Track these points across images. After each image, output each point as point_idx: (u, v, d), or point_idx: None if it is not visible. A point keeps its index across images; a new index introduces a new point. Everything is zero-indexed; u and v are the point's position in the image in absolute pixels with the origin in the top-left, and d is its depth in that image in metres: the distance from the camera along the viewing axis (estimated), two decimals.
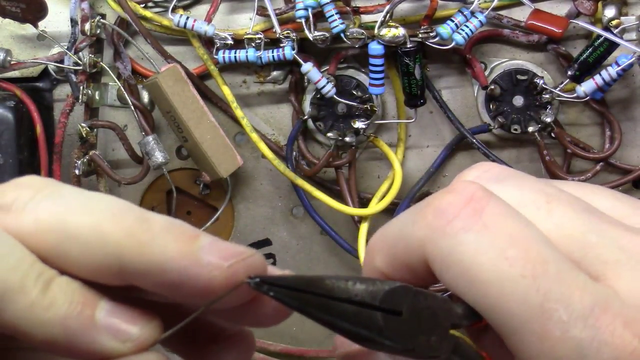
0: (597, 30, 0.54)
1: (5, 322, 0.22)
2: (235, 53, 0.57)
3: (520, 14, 0.58)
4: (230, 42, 0.57)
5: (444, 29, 0.54)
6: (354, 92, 0.59)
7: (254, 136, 0.59)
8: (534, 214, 0.23)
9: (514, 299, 0.21)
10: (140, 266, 0.23)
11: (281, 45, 0.56)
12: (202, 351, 0.27)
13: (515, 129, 0.58)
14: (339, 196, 0.60)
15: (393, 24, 0.54)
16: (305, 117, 0.59)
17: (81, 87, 0.59)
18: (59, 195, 0.24)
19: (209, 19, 0.57)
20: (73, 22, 0.57)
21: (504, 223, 0.22)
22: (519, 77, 0.58)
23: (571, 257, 0.22)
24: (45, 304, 0.22)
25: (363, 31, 0.55)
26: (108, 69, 0.59)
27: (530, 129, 0.58)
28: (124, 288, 0.24)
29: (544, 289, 0.21)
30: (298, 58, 0.56)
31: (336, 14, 0.54)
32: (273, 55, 0.56)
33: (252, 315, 0.25)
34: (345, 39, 0.55)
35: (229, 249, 0.23)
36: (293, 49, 0.56)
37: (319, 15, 0.55)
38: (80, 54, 0.58)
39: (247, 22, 0.59)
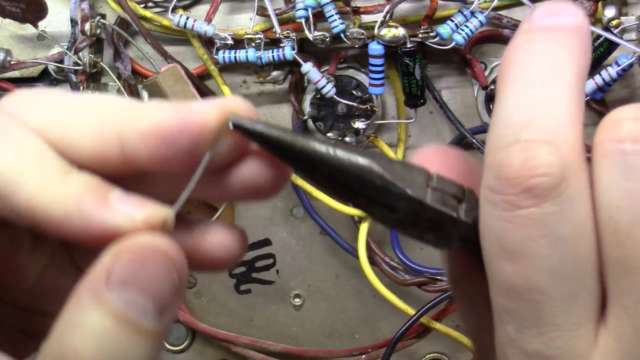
0: (597, 30, 0.54)
1: (21, 201, 0.23)
2: (235, 53, 0.57)
3: (520, 14, 0.58)
4: (230, 42, 0.57)
5: (444, 29, 0.54)
6: (354, 92, 0.59)
7: None
8: None
9: None
10: (135, 131, 0.24)
11: (281, 45, 0.56)
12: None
13: None
14: None
15: (393, 24, 0.54)
16: (305, 117, 0.59)
17: (81, 87, 0.59)
18: (56, 97, 0.25)
19: (209, 19, 0.57)
20: (73, 22, 0.57)
21: None
22: None
23: None
24: (64, 183, 0.23)
25: (363, 31, 0.55)
26: (108, 69, 0.59)
27: None
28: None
29: None
30: (298, 58, 0.56)
31: (336, 14, 0.54)
32: (273, 55, 0.56)
33: (245, 182, 0.26)
34: (345, 39, 0.55)
35: (215, 100, 0.25)
36: (293, 49, 0.56)
37: (319, 15, 0.55)
38: (80, 54, 0.58)
39: (247, 22, 0.59)
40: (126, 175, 0.25)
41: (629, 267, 0.22)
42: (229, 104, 0.25)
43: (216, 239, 0.26)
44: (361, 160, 0.24)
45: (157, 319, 0.22)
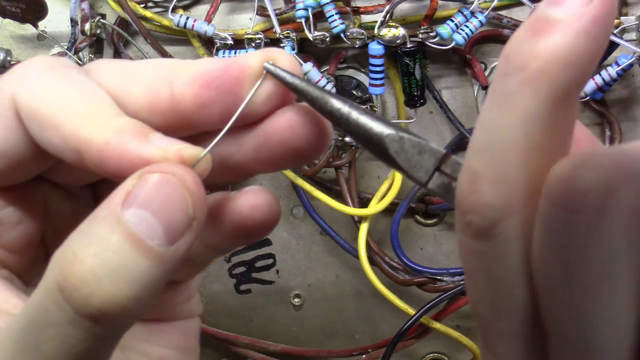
0: None
1: (69, 128, 0.24)
2: (235, 53, 0.57)
3: (520, 14, 0.58)
4: (230, 42, 0.57)
5: (444, 29, 0.54)
6: (354, 92, 0.59)
7: None
8: None
9: None
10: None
11: (281, 45, 0.56)
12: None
13: None
14: (339, 196, 0.60)
15: (393, 24, 0.54)
16: None
17: None
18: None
19: (209, 19, 0.57)
20: (73, 22, 0.57)
21: None
22: None
23: None
24: (112, 120, 0.25)
25: (363, 31, 0.55)
26: None
27: None
28: None
29: None
30: (298, 58, 0.56)
31: (336, 14, 0.54)
32: None
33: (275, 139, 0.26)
34: (345, 39, 0.55)
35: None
36: (293, 49, 0.56)
37: (319, 15, 0.55)
38: (80, 54, 0.58)
39: (247, 22, 0.59)
40: (174, 127, 0.26)
41: (560, 332, 0.21)
42: (269, 53, 0.26)
43: (247, 200, 0.27)
44: (371, 127, 0.24)
45: (165, 244, 0.23)
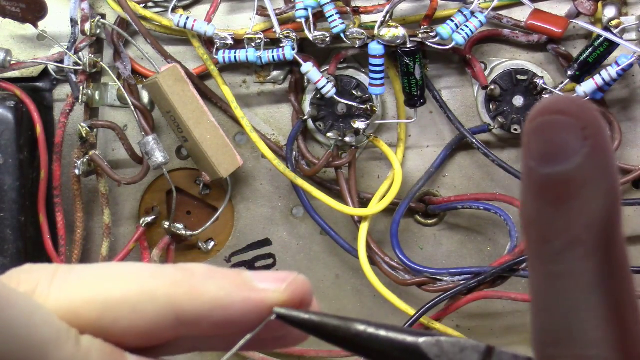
0: (597, 30, 0.54)
1: None
2: (235, 53, 0.57)
3: (520, 14, 0.58)
4: (230, 42, 0.57)
5: (444, 29, 0.54)
6: (354, 92, 0.59)
7: (254, 136, 0.59)
8: None
9: None
10: (197, 309, 0.24)
11: (281, 45, 0.56)
12: None
13: (515, 129, 0.58)
14: (339, 196, 0.60)
15: (393, 24, 0.54)
16: (305, 117, 0.59)
17: (81, 87, 0.59)
18: (78, 273, 0.25)
19: (209, 19, 0.57)
20: (73, 22, 0.57)
21: None
22: (519, 77, 0.58)
23: None
24: (82, 354, 0.23)
25: (363, 31, 0.55)
26: (108, 69, 0.59)
27: None
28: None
29: None
30: (298, 58, 0.56)
31: (336, 14, 0.54)
32: (273, 55, 0.56)
33: (279, 341, 0.27)
34: (345, 39, 0.55)
35: (272, 274, 0.25)
36: (293, 49, 0.56)
37: (319, 15, 0.55)
38: (80, 54, 0.58)
39: (247, 22, 0.59)
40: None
41: None
42: (297, 288, 0.25)
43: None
44: (403, 340, 0.23)
45: None
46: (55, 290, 0.24)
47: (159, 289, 0.24)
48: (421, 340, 0.23)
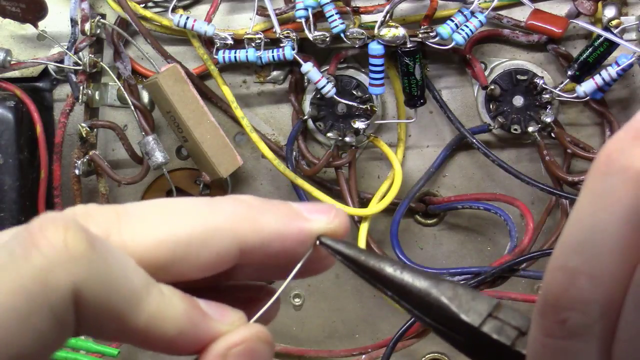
0: (597, 30, 0.54)
1: (139, 324, 0.23)
2: (235, 53, 0.57)
3: (520, 14, 0.58)
4: (230, 42, 0.57)
5: (444, 29, 0.54)
6: (354, 92, 0.59)
7: (254, 136, 0.59)
8: None
9: None
10: (259, 241, 0.25)
11: (281, 45, 0.56)
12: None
13: (515, 129, 0.58)
14: (339, 196, 0.60)
15: (393, 24, 0.54)
16: (305, 117, 0.59)
17: (81, 87, 0.59)
18: (139, 214, 0.25)
19: (209, 19, 0.57)
20: (73, 22, 0.57)
21: None
22: (519, 77, 0.58)
23: None
24: (167, 302, 0.24)
25: (363, 31, 0.55)
26: (108, 69, 0.59)
27: (530, 129, 0.58)
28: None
29: None
30: (298, 58, 0.56)
31: (336, 14, 0.54)
32: (273, 55, 0.56)
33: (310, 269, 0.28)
34: (345, 39, 0.55)
35: (315, 206, 0.27)
36: (293, 49, 0.56)
37: (319, 15, 0.55)
38: (80, 54, 0.58)
39: (247, 22, 0.59)
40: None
41: None
42: (341, 220, 0.27)
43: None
44: (421, 284, 0.26)
45: None
46: (126, 234, 0.24)
47: (224, 223, 0.25)
48: (440, 283, 0.26)
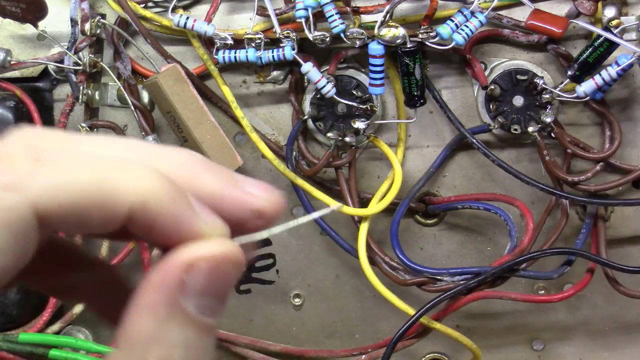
0: (597, 30, 0.54)
1: (122, 211, 0.23)
2: (235, 53, 0.57)
3: (520, 14, 0.58)
4: (230, 42, 0.57)
5: (444, 29, 0.54)
6: (354, 92, 0.59)
7: (254, 136, 0.59)
8: None
9: None
10: (195, 196, 0.25)
11: (281, 45, 0.56)
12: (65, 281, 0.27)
13: (515, 129, 0.58)
14: (339, 196, 0.60)
15: (393, 24, 0.54)
16: (305, 117, 0.59)
17: (81, 87, 0.59)
18: (75, 153, 0.24)
19: (209, 19, 0.57)
20: (73, 22, 0.57)
21: None
22: (519, 77, 0.58)
23: None
24: (154, 178, 0.23)
25: (363, 31, 0.55)
26: (108, 69, 0.59)
27: (530, 129, 0.58)
28: None
29: None
30: (298, 58, 0.56)
31: (336, 14, 0.54)
32: (273, 55, 0.56)
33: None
34: (345, 39, 0.55)
35: (258, 182, 0.27)
36: (293, 49, 0.56)
37: (319, 15, 0.55)
38: (80, 54, 0.58)
39: (247, 22, 0.59)
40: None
41: None
42: (279, 203, 0.28)
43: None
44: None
45: (220, 314, 0.24)
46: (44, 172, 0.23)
47: (168, 172, 0.24)
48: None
